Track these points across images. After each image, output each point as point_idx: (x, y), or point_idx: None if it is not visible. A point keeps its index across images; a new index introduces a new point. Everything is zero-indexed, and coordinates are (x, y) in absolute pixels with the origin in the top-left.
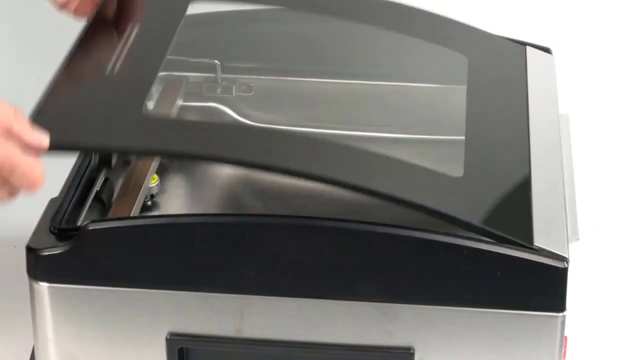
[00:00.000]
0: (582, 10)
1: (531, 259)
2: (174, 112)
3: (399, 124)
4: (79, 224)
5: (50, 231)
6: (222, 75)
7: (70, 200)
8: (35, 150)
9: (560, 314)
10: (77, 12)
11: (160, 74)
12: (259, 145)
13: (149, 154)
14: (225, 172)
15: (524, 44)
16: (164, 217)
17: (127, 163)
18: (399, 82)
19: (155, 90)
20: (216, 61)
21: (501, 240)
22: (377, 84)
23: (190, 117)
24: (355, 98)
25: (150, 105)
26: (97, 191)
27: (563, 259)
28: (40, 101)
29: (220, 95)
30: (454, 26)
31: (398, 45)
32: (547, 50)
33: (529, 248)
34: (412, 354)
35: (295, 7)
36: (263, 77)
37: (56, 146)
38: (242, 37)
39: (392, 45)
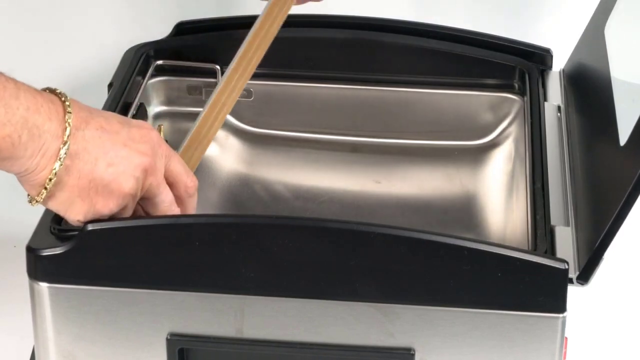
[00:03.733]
0: (582, 10)
1: (532, 260)
2: (173, 118)
3: (400, 129)
4: None
5: (51, 231)
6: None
7: None
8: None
9: (561, 315)
10: None
11: (161, 78)
12: None
13: None
14: (226, 172)
15: (524, 44)
16: (164, 217)
17: None
18: (398, 88)
19: (156, 95)
20: (216, 66)
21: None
22: (378, 89)
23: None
24: (356, 103)
25: (151, 110)
26: None
27: (563, 261)
28: None
29: None
30: None
31: (399, 49)
32: (547, 50)
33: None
34: (413, 355)
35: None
36: (263, 82)
37: None
38: (242, 41)
39: (391, 49)
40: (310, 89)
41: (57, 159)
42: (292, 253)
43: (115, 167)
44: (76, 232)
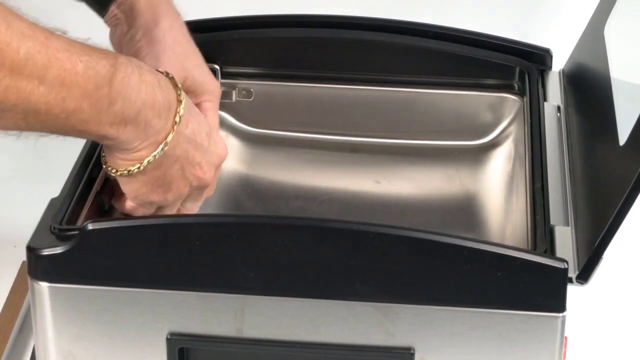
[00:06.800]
0: (582, 10)
1: (531, 259)
2: None
3: (400, 129)
4: (79, 224)
5: (51, 231)
6: (222, 80)
7: (71, 200)
8: None
9: (561, 315)
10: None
11: None
12: None
13: None
14: (225, 172)
15: (524, 44)
16: (164, 217)
17: None
18: (398, 88)
19: None
20: (216, 66)
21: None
22: (378, 89)
23: None
24: (356, 103)
25: None
26: (97, 191)
27: (563, 260)
28: None
29: (220, 100)
30: None
31: (399, 49)
32: (546, 50)
33: (530, 249)
34: (413, 354)
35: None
36: (263, 82)
37: None
38: (242, 41)
39: (391, 49)
40: (310, 89)
41: (159, 145)
42: (292, 253)
43: (184, 172)
44: (76, 232)
